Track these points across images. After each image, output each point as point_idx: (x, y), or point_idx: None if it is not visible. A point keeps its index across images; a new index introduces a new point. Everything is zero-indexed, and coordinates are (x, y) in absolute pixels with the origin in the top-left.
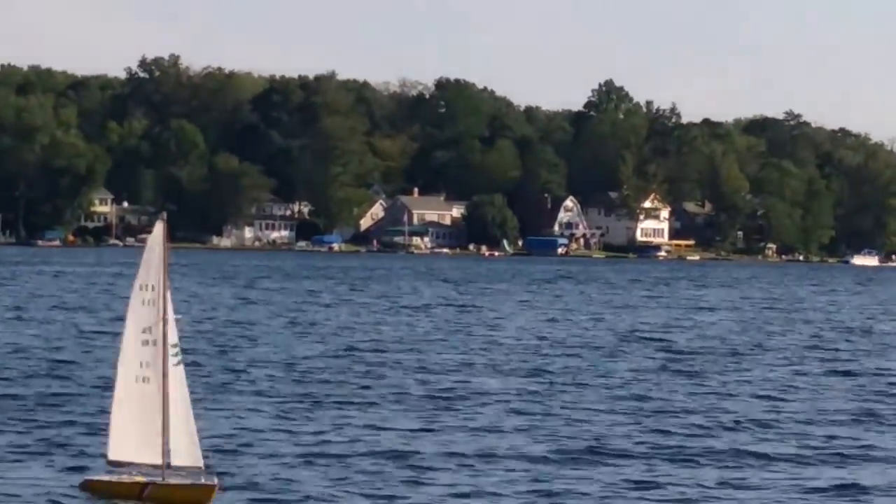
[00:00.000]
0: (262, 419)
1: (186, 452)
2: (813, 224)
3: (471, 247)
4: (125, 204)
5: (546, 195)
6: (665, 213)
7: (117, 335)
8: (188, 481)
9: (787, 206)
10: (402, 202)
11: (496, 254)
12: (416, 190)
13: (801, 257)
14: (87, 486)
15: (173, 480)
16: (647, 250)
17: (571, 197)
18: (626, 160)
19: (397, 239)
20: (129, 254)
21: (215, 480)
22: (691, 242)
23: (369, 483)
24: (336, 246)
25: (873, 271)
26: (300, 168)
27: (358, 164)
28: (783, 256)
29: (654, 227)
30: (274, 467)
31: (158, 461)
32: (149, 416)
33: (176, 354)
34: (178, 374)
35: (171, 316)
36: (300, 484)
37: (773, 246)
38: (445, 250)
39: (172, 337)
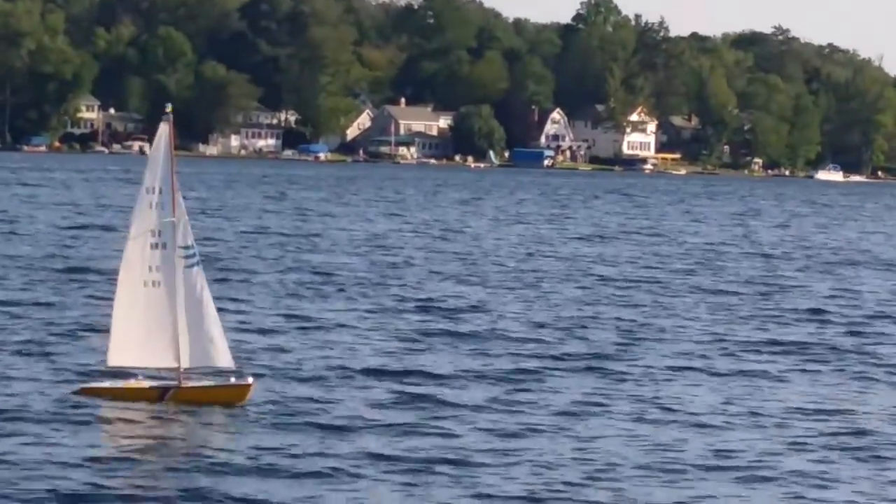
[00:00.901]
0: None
1: (209, 354)
2: (800, 139)
3: (457, 157)
4: (111, 111)
5: (533, 107)
6: (652, 127)
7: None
8: (219, 382)
9: (774, 121)
10: (389, 112)
11: (482, 165)
12: (403, 100)
13: (787, 172)
14: (85, 393)
15: (204, 382)
16: (634, 163)
17: (558, 109)
18: (614, 73)
19: (383, 149)
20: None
21: (250, 380)
22: (677, 156)
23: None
24: (322, 155)
25: (833, 187)
26: (287, 77)
27: (345, 74)
28: (769, 171)
29: (641, 140)
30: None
31: (171, 364)
32: (159, 320)
33: (188, 257)
34: (192, 277)
35: (181, 218)
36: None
37: (759, 161)
38: (432, 161)
39: (183, 239)
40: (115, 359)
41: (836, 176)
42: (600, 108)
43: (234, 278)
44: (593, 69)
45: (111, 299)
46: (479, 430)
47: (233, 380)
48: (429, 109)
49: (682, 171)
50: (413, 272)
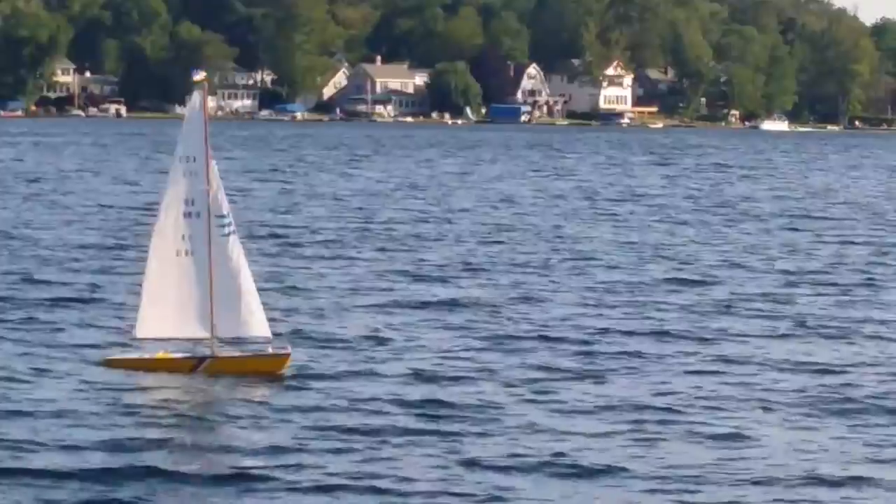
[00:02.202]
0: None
1: (245, 324)
2: (776, 90)
3: (434, 115)
4: (87, 74)
5: (509, 63)
6: (628, 81)
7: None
8: (255, 352)
9: (750, 73)
10: (365, 70)
11: (459, 122)
12: (378, 58)
13: (808, 124)
14: (114, 365)
15: (239, 352)
16: (611, 117)
17: (534, 64)
18: (589, 27)
19: (360, 107)
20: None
21: (288, 349)
22: (654, 109)
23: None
24: (299, 115)
25: (775, 137)
26: (263, 37)
27: (321, 33)
28: (746, 123)
29: (618, 94)
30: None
31: (204, 335)
32: (192, 289)
33: (224, 226)
34: (228, 247)
35: (217, 187)
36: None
37: (736, 112)
38: (409, 119)
39: (219, 208)
40: (145, 329)
41: (781, 126)
42: (576, 62)
43: (271, 245)
44: (568, 23)
45: (136, 271)
46: (528, 401)
47: (270, 350)
48: (405, 67)
49: (659, 125)
50: (455, 233)
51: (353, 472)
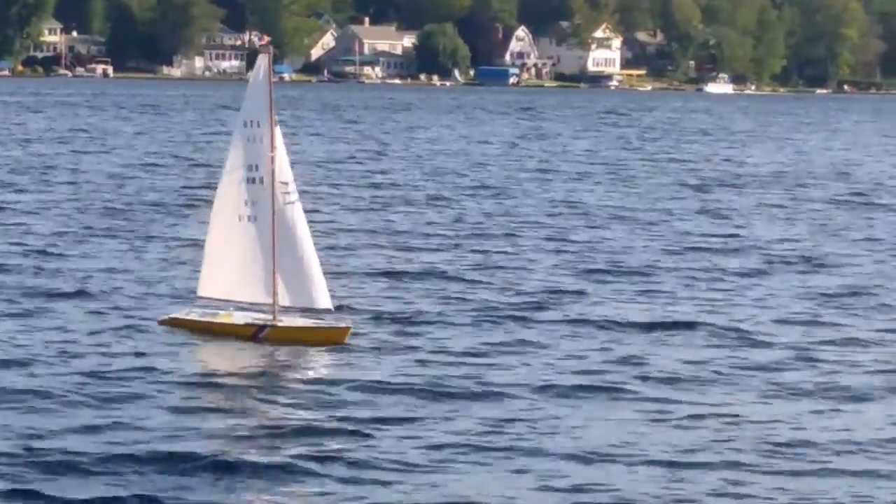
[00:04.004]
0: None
1: (306, 293)
2: (765, 54)
3: (422, 76)
4: (74, 34)
5: (497, 25)
6: (617, 43)
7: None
8: (317, 322)
9: (739, 36)
10: (353, 32)
11: (447, 83)
12: (366, 19)
13: (752, 87)
14: (171, 323)
15: (301, 321)
16: (599, 80)
17: (523, 27)
18: None
19: (348, 69)
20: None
21: (348, 321)
22: (643, 72)
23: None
24: (287, 76)
25: (716, 99)
26: None
27: None
28: (734, 86)
29: (606, 56)
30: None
31: (266, 300)
32: (254, 255)
33: (288, 193)
34: (291, 213)
35: (280, 153)
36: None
37: (724, 76)
38: (396, 80)
39: (283, 175)
40: (208, 289)
41: (726, 88)
42: (565, 24)
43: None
44: None
45: (197, 235)
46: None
47: (330, 321)
48: (392, 28)
49: (648, 87)
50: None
51: (414, 451)
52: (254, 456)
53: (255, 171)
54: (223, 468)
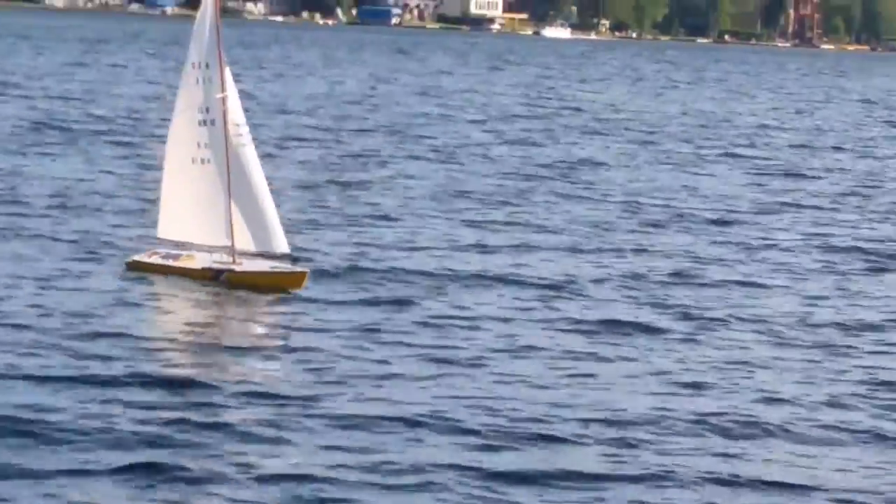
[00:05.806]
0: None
1: (263, 237)
2: (647, 2)
3: (304, 14)
4: None
5: None
6: None
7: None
8: (276, 268)
9: None
10: None
11: (330, 22)
12: None
13: (634, 35)
14: (136, 266)
15: (258, 266)
16: (481, 23)
17: None
18: None
19: (231, 4)
20: None
21: (305, 267)
22: (525, 16)
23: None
24: (168, 10)
25: (557, 44)
26: None
27: None
28: (616, 33)
29: None
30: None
31: (224, 243)
32: (210, 197)
33: (241, 135)
34: (244, 155)
35: (232, 94)
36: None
37: (606, 22)
38: (279, 18)
39: (235, 116)
40: (166, 231)
41: (564, 33)
42: None
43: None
44: None
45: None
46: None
47: (287, 266)
48: None
49: (530, 32)
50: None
51: (372, 406)
52: (202, 415)
53: (206, 114)
54: (178, 423)
